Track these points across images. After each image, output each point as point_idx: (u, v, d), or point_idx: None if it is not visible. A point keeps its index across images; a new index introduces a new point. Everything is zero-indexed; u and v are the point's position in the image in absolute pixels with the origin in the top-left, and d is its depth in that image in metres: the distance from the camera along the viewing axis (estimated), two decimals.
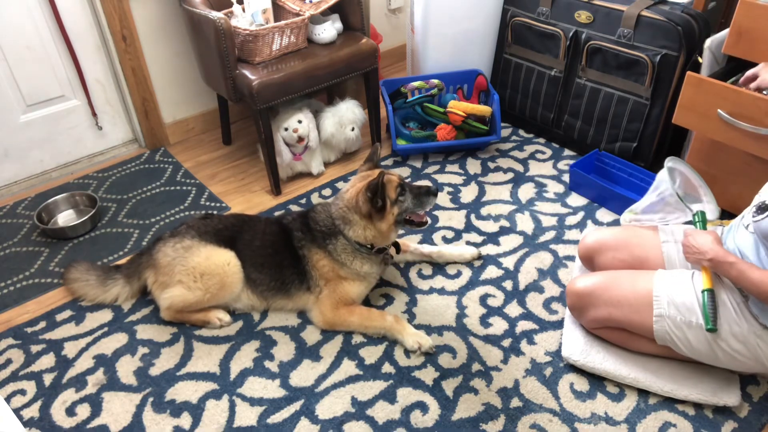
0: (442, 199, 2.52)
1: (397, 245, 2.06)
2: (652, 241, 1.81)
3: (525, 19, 2.71)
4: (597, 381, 1.76)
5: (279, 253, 1.97)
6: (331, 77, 2.53)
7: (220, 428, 1.68)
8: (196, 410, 1.72)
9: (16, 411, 1.73)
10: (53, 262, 2.29)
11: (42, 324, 2.02)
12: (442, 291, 2.09)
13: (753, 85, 1.91)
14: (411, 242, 2.22)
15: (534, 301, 2.03)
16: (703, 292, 1.57)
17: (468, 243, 2.29)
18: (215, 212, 2.31)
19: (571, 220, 2.38)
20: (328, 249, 1.94)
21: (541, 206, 2.46)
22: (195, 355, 1.89)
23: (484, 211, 2.45)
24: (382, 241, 1.93)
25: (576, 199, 2.49)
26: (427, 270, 2.18)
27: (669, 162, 1.87)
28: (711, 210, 1.81)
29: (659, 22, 2.30)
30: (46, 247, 2.36)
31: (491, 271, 2.16)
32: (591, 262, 1.93)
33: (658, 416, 1.66)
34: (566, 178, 2.61)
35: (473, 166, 2.72)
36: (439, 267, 2.18)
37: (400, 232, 2.01)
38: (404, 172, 2.70)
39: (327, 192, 2.61)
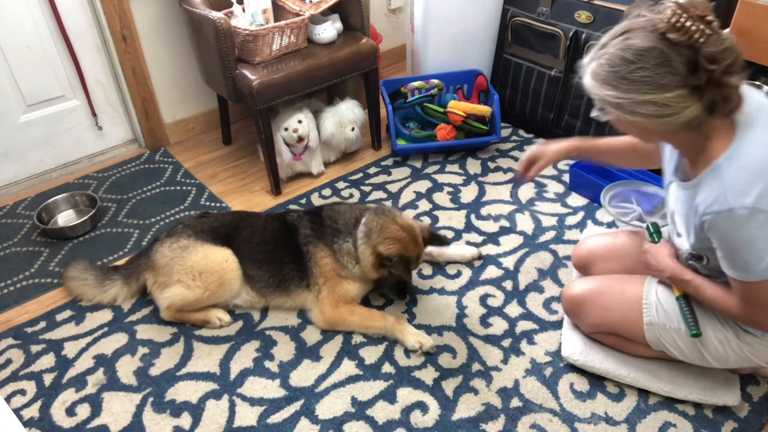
0: (442, 199, 2.52)
1: None
2: (640, 250, 1.81)
3: (525, 19, 2.71)
4: (597, 381, 1.76)
5: (280, 249, 1.98)
6: (331, 77, 2.53)
7: (220, 428, 1.68)
8: (196, 410, 1.73)
9: (16, 411, 1.73)
10: (53, 262, 2.29)
11: (42, 324, 2.02)
12: (442, 291, 2.09)
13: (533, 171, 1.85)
14: None
15: (534, 301, 2.03)
16: (678, 299, 1.56)
17: (468, 243, 2.29)
18: (214, 212, 2.31)
19: (571, 220, 2.38)
20: (334, 248, 1.94)
21: (541, 206, 2.46)
22: (195, 355, 1.89)
23: (484, 211, 2.45)
24: (362, 268, 1.93)
25: (576, 199, 2.49)
26: (427, 270, 2.18)
27: (604, 200, 1.86)
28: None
29: None
30: (46, 247, 2.36)
31: (491, 271, 2.16)
32: (585, 270, 1.93)
33: (658, 416, 1.66)
34: (566, 178, 2.61)
35: (473, 166, 2.72)
36: (439, 267, 2.18)
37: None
38: (404, 172, 2.70)
39: (327, 192, 2.61)
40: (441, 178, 2.65)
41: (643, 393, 1.72)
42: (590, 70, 1.30)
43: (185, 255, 1.92)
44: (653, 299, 1.62)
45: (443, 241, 2.05)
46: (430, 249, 2.18)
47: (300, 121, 2.55)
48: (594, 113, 1.37)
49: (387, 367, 1.82)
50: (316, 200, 2.56)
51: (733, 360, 1.56)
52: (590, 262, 1.89)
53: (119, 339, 1.95)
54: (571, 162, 2.62)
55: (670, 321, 1.59)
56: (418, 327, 1.93)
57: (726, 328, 1.53)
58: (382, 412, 1.70)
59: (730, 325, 1.52)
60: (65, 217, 2.52)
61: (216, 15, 2.29)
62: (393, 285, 1.96)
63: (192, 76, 2.88)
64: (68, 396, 1.78)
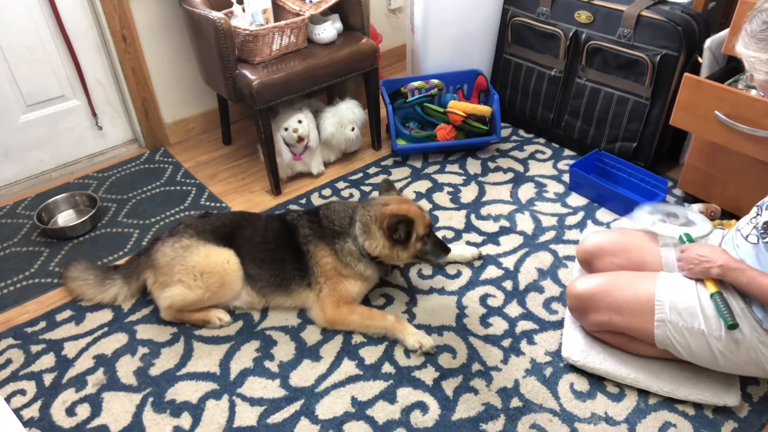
0: (442, 199, 2.52)
1: None
2: (650, 246, 1.81)
3: (525, 19, 2.71)
4: (597, 381, 1.77)
5: (281, 249, 1.98)
6: (331, 77, 2.53)
7: (220, 428, 1.68)
8: (196, 410, 1.73)
9: (16, 411, 1.73)
10: (53, 262, 2.29)
11: (42, 324, 2.02)
12: (442, 291, 2.09)
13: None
14: None
15: (534, 301, 2.03)
16: (712, 296, 1.56)
17: (468, 243, 2.29)
18: (215, 212, 2.31)
19: (571, 220, 2.38)
20: (335, 248, 1.94)
21: (541, 206, 2.46)
22: (195, 355, 1.89)
23: (484, 211, 2.45)
24: (390, 261, 1.95)
25: (576, 199, 2.49)
26: (427, 270, 2.18)
27: (644, 220, 1.86)
28: (702, 227, 1.80)
29: (659, 22, 2.30)
30: (46, 247, 2.36)
31: (491, 271, 2.16)
32: (590, 265, 1.93)
33: (658, 416, 1.66)
34: (566, 178, 2.61)
35: (473, 166, 2.72)
36: (439, 267, 2.18)
37: None
38: (404, 172, 2.70)
39: (327, 192, 2.61)
40: (441, 178, 2.65)
41: (643, 393, 1.72)
42: (748, 32, 1.39)
43: (187, 255, 1.92)
44: (666, 297, 1.62)
45: (391, 186, 2.07)
46: None
47: (300, 121, 2.55)
48: (743, 76, 1.46)
49: (387, 367, 1.82)
50: (316, 200, 2.56)
51: (743, 362, 1.57)
52: (597, 256, 1.89)
53: (119, 339, 1.95)
54: (572, 162, 2.62)
55: (683, 320, 1.59)
56: (418, 327, 1.93)
57: (746, 329, 1.53)
58: (382, 412, 1.70)
59: (753, 326, 1.53)
60: (65, 217, 2.52)
61: (216, 15, 2.29)
62: (432, 251, 1.95)
63: (192, 76, 2.88)
64: (68, 396, 1.78)
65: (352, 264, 1.94)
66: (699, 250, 1.61)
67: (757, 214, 1.57)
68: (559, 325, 1.94)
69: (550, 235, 2.31)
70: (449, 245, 2.24)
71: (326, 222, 1.98)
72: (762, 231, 1.50)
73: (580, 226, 2.35)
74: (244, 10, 2.48)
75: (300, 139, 2.55)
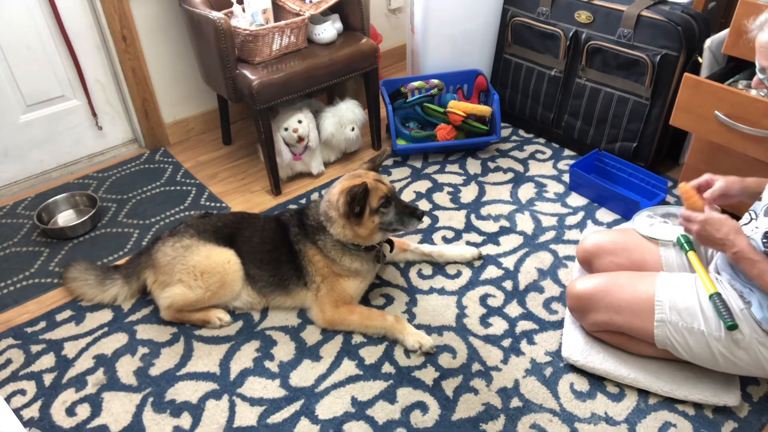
0: (442, 199, 2.52)
1: (390, 243, 2.06)
2: (650, 246, 1.81)
3: (525, 19, 2.71)
4: (597, 381, 1.77)
5: (277, 249, 1.98)
6: (331, 77, 2.53)
7: (220, 428, 1.68)
8: (196, 410, 1.73)
9: (16, 411, 1.73)
10: (53, 262, 2.29)
11: (42, 324, 2.02)
12: (442, 291, 2.09)
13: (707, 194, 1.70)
14: (411, 242, 2.22)
15: (534, 301, 2.03)
16: (711, 297, 1.56)
17: (468, 243, 2.29)
18: (215, 212, 2.31)
19: (571, 220, 2.38)
20: (319, 245, 1.95)
21: (541, 206, 2.46)
22: (195, 355, 1.89)
23: (484, 211, 2.45)
24: (363, 242, 1.93)
25: (576, 199, 2.49)
26: (427, 270, 2.18)
27: (641, 229, 1.86)
28: None
29: (659, 22, 2.30)
30: (46, 247, 2.36)
31: (491, 271, 2.16)
32: (589, 265, 1.93)
33: (658, 416, 1.66)
34: (566, 178, 2.61)
35: (473, 166, 2.72)
36: (439, 267, 2.18)
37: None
38: (404, 172, 2.70)
39: None
40: (441, 178, 2.65)
41: (643, 393, 1.72)
42: None
43: (187, 254, 1.92)
44: (666, 297, 1.62)
45: (382, 155, 2.04)
46: (430, 249, 2.18)
47: (300, 121, 2.55)
48: (761, 75, 1.50)
49: (387, 367, 1.82)
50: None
51: (743, 363, 1.57)
52: (597, 256, 1.89)
53: (119, 339, 1.95)
54: (572, 162, 2.62)
55: (682, 320, 1.59)
56: (418, 327, 1.93)
57: (746, 330, 1.53)
58: (382, 412, 1.70)
59: (752, 327, 1.53)
60: (65, 217, 2.52)
61: (216, 15, 2.29)
62: (397, 220, 1.89)
63: (192, 76, 2.88)
64: (68, 396, 1.78)
65: (338, 259, 1.93)
66: (714, 228, 1.53)
67: (752, 219, 1.56)
68: (559, 325, 1.94)
69: (550, 235, 2.31)
70: (449, 245, 2.26)
71: (307, 220, 1.99)
72: (764, 240, 1.48)
73: (580, 226, 2.35)
74: (244, 10, 2.48)
75: (300, 139, 2.55)
